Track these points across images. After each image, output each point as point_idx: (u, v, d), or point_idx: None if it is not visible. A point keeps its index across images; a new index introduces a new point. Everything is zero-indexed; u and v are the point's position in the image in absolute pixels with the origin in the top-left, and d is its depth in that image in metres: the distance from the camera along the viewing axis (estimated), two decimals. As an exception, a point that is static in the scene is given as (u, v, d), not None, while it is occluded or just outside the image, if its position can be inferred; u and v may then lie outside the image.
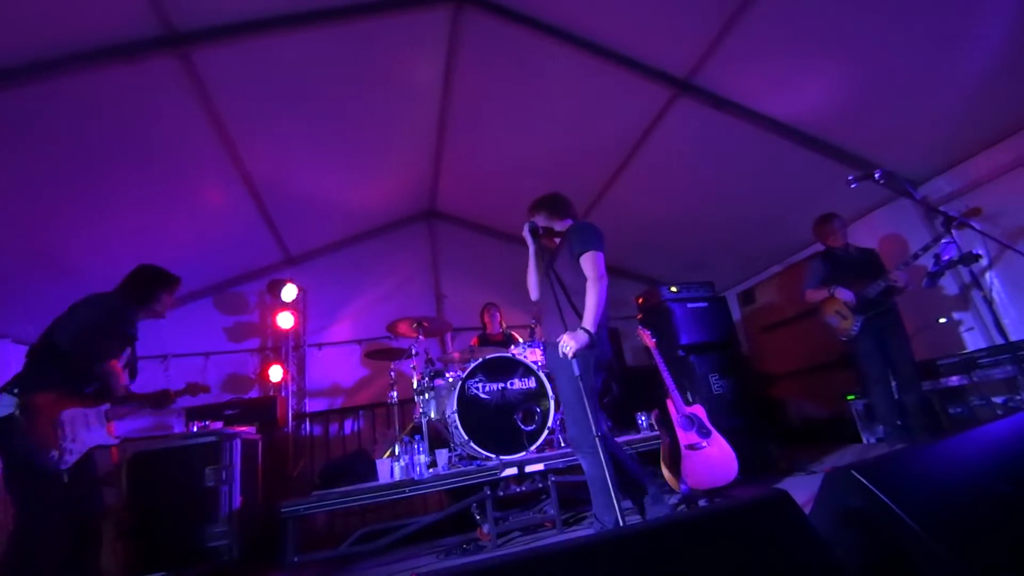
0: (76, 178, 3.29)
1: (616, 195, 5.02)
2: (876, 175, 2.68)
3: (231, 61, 3.11)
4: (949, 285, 3.91)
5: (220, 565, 3.11)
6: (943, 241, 3.04)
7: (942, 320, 3.94)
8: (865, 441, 4.24)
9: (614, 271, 6.48)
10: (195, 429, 3.49)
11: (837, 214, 3.70)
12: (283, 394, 5.06)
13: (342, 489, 3.27)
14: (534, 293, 2.66)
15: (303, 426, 5.12)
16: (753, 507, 0.90)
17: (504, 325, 5.04)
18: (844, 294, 3.43)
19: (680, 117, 3.91)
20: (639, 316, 4.59)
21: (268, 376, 5.06)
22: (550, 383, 3.70)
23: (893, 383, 3.37)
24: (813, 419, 5.18)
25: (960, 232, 2.92)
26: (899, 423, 3.28)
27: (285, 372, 5.13)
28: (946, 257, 3.06)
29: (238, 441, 3.49)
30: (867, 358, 3.39)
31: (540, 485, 3.26)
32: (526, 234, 2.56)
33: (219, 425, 3.66)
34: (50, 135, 2.98)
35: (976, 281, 2.81)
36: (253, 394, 5.08)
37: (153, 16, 2.71)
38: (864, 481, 0.93)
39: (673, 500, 3.28)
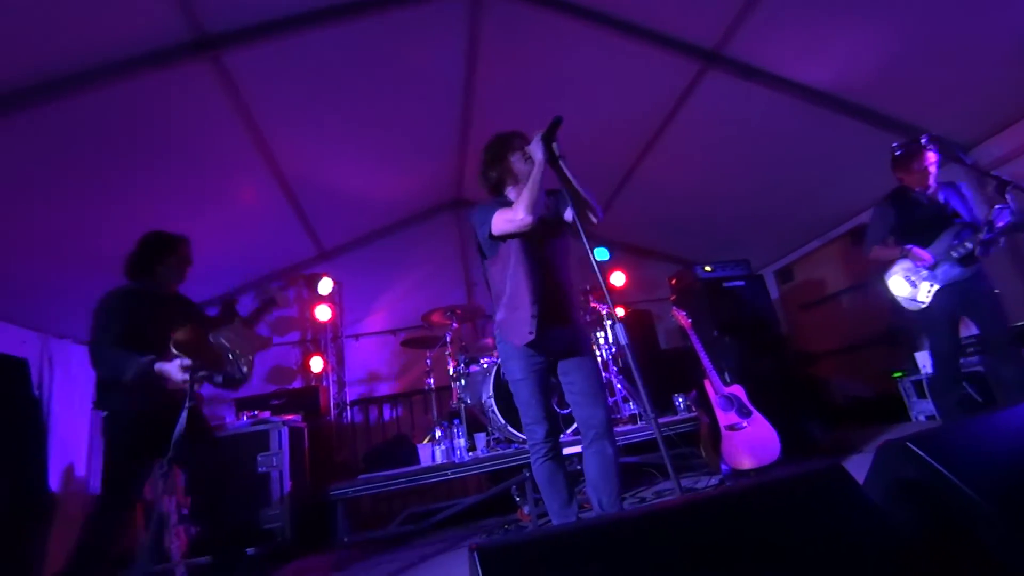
0: (118, 186, 3.41)
1: (645, 174, 4.93)
2: (923, 140, 2.57)
3: (260, 61, 3.17)
4: (1001, 252, 3.70)
5: (276, 546, 3.27)
6: (996, 207, 2.88)
7: (996, 292, 3.74)
8: (914, 419, 4.10)
9: (644, 252, 6.40)
10: (245, 419, 3.67)
11: (933, 142, 2.65)
12: (324, 384, 5.24)
13: (387, 472, 3.38)
14: (529, 215, 1.99)
15: (345, 414, 5.30)
16: (807, 479, 0.90)
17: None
18: (923, 255, 2.81)
19: (710, 90, 3.79)
20: (672, 297, 4.54)
21: (310, 367, 5.24)
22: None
23: (961, 359, 3.07)
24: (858, 398, 5.03)
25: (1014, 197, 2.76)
26: (956, 404, 3.12)
27: (325, 363, 5.30)
28: (1000, 223, 2.90)
29: (286, 429, 3.64)
30: (939, 332, 2.87)
31: (578, 467, 3.29)
32: (537, 145, 2.06)
33: (267, 414, 3.83)
34: (91, 144, 3.08)
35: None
36: (296, 385, 5.27)
37: (183, 20, 2.77)
38: (921, 452, 0.92)
39: (714, 481, 3.27)
